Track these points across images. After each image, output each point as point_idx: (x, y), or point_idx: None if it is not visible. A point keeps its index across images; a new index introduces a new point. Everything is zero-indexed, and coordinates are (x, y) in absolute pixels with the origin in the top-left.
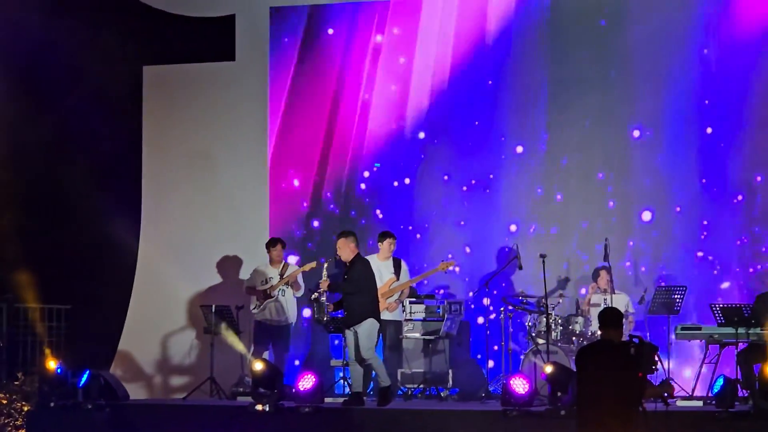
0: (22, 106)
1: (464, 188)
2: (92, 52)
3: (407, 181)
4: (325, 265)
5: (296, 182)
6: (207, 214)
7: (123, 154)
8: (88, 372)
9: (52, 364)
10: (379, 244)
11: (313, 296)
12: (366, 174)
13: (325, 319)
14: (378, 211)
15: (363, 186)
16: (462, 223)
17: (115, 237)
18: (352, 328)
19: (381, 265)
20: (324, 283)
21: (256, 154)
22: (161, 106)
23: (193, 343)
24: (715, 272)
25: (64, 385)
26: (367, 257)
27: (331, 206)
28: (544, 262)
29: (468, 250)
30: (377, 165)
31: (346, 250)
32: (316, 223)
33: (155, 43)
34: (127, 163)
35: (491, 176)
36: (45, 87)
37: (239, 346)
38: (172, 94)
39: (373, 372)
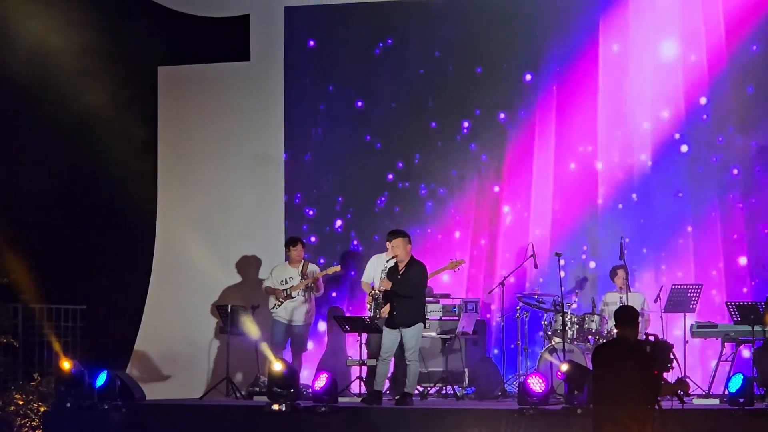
0: (38, 103)
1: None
2: (107, 53)
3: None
4: (386, 265)
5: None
6: (222, 214)
7: (138, 154)
8: (106, 373)
9: (66, 365)
10: (387, 243)
11: (371, 293)
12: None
13: (378, 317)
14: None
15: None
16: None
17: (130, 236)
18: (398, 329)
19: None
20: (385, 283)
21: (271, 153)
22: (176, 107)
23: (210, 343)
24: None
25: (79, 386)
26: (376, 256)
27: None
28: (559, 260)
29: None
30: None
31: (403, 250)
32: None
33: (170, 44)
34: (142, 162)
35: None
36: (61, 86)
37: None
38: (187, 95)
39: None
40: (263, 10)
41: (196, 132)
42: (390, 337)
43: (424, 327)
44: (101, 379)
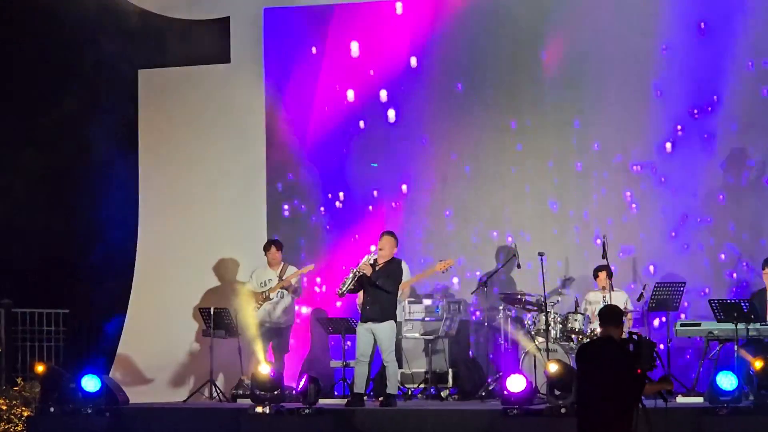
0: (19, 108)
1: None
2: (87, 56)
3: (404, 188)
4: (371, 255)
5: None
6: (204, 217)
7: (119, 158)
8: (100, 379)
9: (39, 368)
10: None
11: (354, 270)
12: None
13: (340, 293)
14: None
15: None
16: None
17: (112, 240)
18: (368, 327)
19: None
20: (368, 268)
21: (252, 156)
22: (157, 110)
23: (193, 346)
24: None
25: (56, 389)
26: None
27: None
28: (542, 260)
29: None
30: (374, 164)
31: (389, 248)
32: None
33: (150, 47)
34: (123, 166)
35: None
36: (41, 90)
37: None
38: (168, 98)
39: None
40: (243, 13)
41: (176, 134)
42: (364, 339)
43: (396, 324)
44: (96, 384)
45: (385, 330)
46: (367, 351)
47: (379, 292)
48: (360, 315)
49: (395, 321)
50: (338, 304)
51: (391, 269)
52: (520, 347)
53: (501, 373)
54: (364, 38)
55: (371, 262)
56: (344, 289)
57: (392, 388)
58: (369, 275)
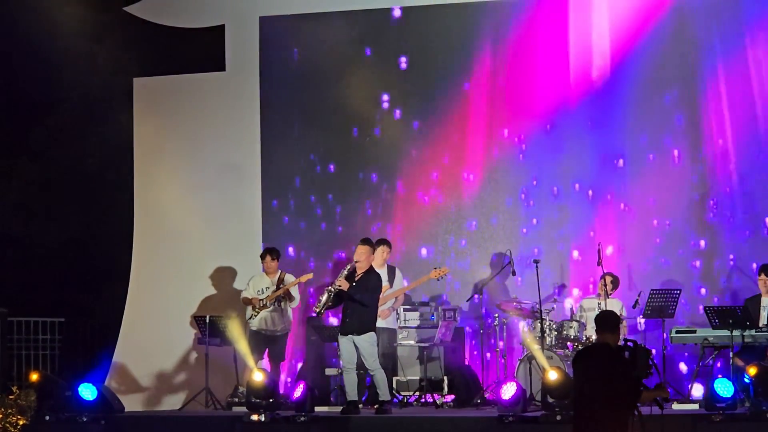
0: (14, 116)
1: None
2: (82, 65)
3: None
4: (348, 267)
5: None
6: (200, 225)
7: (115, 166)
8: (96, 388)
9: (33, 376)
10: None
11: (328, 288)
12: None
13: (317, 312)
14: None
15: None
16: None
17: (107, 248)
18: (350, 337)
19: None
20: (344, 283)
21: (247, 165)
22: (152, 118)
23: (188, 354)
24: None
25: (51, 398)
26: None
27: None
28: (537, 267)
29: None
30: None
31: (365, 258)
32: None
33: (145, 55)
34: (118, 175)
35: None
36: (36, 98)
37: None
38: (163, 106)
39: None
40: (238, 21)
41: (172, 143)
42: (346, 348)
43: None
44: (91, 393)
45: (365, 341)
46: (351, 359)
47: (357, 305)
48: (340, 326)
49: (375, 332)
50: None
51: (369, 282)
52: (518, 353)
53: (496, 381)
54: (360, 46)
55: (346, 274)
56: (321, 308)
57: (384, 394)
58: (346, 290)
